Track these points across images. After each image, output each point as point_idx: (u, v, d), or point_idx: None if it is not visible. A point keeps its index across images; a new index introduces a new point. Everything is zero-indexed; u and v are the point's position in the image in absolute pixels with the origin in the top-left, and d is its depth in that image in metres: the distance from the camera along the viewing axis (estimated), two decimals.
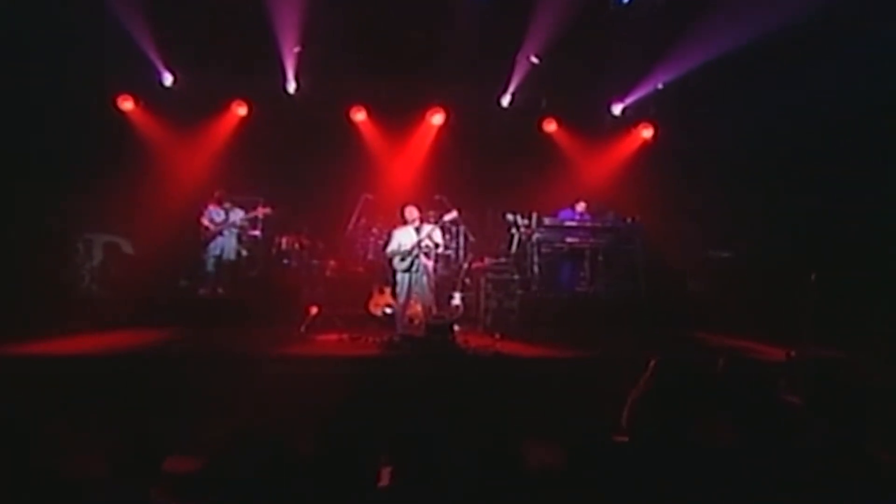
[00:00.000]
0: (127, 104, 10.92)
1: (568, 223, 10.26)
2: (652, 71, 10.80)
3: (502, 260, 9.45)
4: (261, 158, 11.05)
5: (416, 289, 8.19)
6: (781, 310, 7.95)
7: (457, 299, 9.04)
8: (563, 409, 5.41)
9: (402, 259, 8.18)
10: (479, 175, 11.30)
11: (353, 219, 10.24)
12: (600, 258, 10.05)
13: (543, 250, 10.03)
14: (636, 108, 11.60)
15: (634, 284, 10.02)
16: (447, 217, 8.48)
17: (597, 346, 7.72)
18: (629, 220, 10.27)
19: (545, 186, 10.93)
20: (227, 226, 10.14)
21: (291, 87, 10.99)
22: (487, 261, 9.38)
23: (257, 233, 10.56)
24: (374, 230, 10.06)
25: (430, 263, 8.30)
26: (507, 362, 6.91)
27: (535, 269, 9.90)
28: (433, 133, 11.62)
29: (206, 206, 10.18)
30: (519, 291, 9.19)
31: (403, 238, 8.32)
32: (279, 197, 10.55)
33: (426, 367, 6.53)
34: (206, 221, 10.10)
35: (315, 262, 9.27)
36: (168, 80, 10.79)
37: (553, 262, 10.24)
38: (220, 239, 10.10)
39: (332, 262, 9.17)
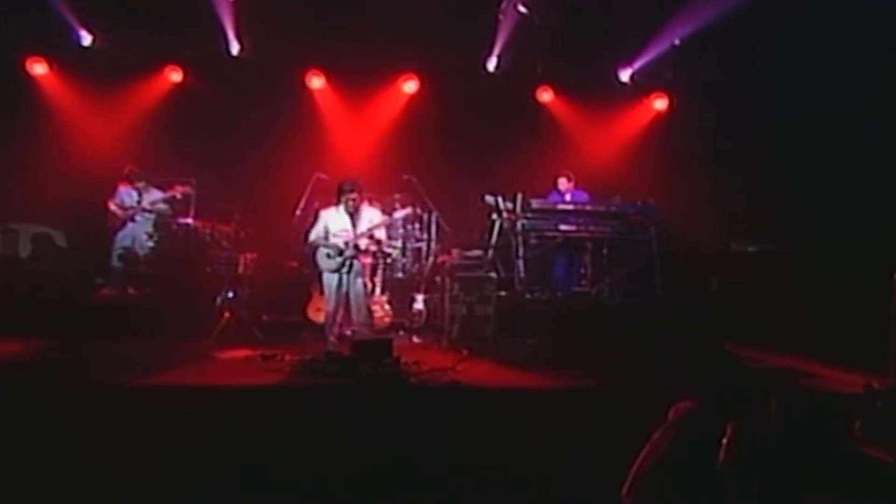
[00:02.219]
0: (39, 68, 9.74)
1: (562, 207, 8.66)
2: (667, 26, 9.55)
3: (475, 253, 7.68)
4: (197, 132, 9.90)
5: (348, 293, 6.50)
6: (838, 319, 6.86)
7: (419, 303, 7.25)
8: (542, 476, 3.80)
9: (330, 256, 6.43)
10: (460, 153, 10.15)
11: (302, 202, 8.64)
12: (605, 251, 8.67)
13: (531, 241, 8.50)
14: (648, 75, 10.43)
15: (649, 284, 8.62)
16: (398, 214, 7.15)
17: (597, 371, 6.15)
18: (641, 203, 8.83)
19: (539, 166, 9.73)
20: (139, 210, 8.56)
21: (234, 48, 9.84)
22: (455, 254, 7.54)
23: (189, 220, 8.80)
24: None
25: (369, 262, 6.70)
26: (466, 396, 4.99)
27: (521, 264, 8.25)
28: (404, 102, 10.41)
29: (115, 187, 8.76)
30: (500, 293, 7.61)
31: (334, 223, 6.64)
32: (215, 176, 9.22)
33: (346, 405, 4.62)
34: (113, 206, 8.65)
35: (227, 255, 7.43)
36: (86, 39, 9.62)
37: (544, 256, 8.76)
38: (130, 227, 8.60)
39: (248, 256, 7.27)
